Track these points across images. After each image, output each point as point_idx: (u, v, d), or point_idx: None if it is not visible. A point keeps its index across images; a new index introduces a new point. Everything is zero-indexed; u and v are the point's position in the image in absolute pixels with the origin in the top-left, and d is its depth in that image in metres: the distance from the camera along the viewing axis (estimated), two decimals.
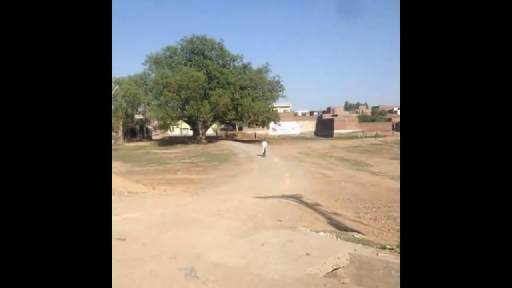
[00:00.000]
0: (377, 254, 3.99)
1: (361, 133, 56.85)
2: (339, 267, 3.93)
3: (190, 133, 56.30)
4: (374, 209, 10.61)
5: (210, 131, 60.29)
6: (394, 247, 4.15)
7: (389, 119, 68.02)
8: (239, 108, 45.18)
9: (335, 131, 58.93)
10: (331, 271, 3.84)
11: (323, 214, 8.89)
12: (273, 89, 49.10)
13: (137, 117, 52.89)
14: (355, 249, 4.18)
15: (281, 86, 49.39)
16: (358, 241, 4.65)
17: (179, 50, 49.46)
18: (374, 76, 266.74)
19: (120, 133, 49.56)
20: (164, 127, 47.77)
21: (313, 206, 9.62)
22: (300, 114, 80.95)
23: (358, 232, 6.58)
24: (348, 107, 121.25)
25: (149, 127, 59.85)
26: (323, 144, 43.09)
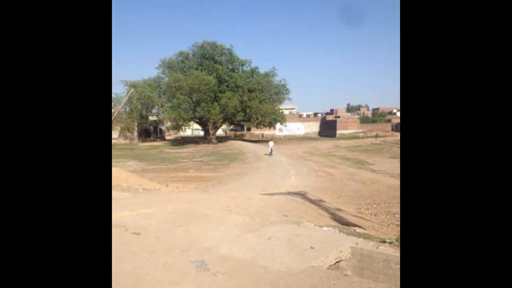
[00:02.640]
0: (377, 248, 3.97)
1: (362, 134, 56.54)
2: (342, 260, 3.92)
3: (201, 133, 56.53)
4: (374, 205, 10.56)
5: (220, 132, 60.42)
6: (394, 240, 4.12)
7: (389, 120, 67.55)
8: (247, 110, 45.21)
9: (338, 132, 58.76)
10: (334, 264, 3.83)
11: (326, 210, 8.86)
12: (280, 92, 49.04)
13: (151, 118, 53.03)
14: (356, 243, 4.16)
15: (287, 89, 49.41)
16: (359, 235, 4.63)
17: (190, 55, 49.65)
18: (375, 80, 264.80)
19: (135, 133, 49.84)
20: (177, 127, 47.93)
21: (317, 202, 9.59)
22: (304, 115, 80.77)
23: (360, 226, 6.54)
24: (350, 109, 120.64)
25: (163, 127, 59.99)
26: (326, 144, 42.91)
